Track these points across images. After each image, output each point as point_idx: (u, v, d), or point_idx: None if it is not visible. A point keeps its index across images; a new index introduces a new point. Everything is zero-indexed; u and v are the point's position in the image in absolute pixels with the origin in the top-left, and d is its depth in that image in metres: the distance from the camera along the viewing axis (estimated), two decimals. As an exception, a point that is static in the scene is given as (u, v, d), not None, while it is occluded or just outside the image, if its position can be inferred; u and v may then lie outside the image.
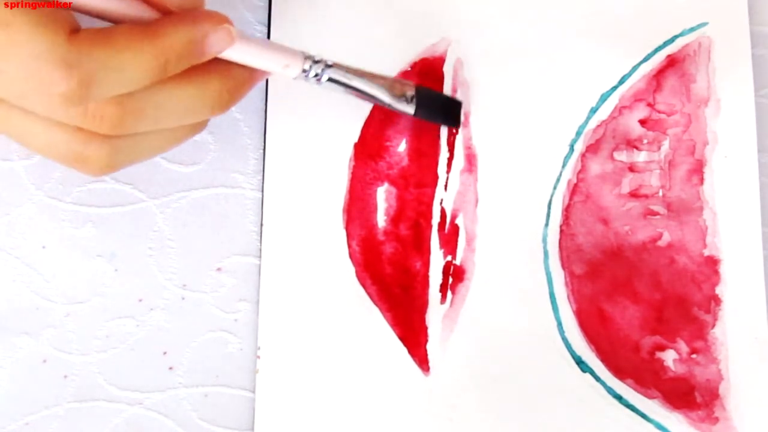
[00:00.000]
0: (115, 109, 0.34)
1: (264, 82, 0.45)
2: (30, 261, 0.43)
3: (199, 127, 0.39)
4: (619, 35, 0.46)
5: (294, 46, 0.39)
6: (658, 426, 0.42)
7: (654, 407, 0.43)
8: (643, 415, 0.43)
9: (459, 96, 0.45)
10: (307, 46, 0.45)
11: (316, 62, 0.39)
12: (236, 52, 0.36)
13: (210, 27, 0.35)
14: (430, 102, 0.43)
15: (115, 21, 0.35)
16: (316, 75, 0.39)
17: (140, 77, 0.33)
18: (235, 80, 0.37)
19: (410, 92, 0.42)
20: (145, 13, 0.35)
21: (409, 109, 0.42)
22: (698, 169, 0.45)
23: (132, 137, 0.36)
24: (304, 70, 0.38)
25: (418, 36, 0.46)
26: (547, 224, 0.44)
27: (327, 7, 0.46)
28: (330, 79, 0.39)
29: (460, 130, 0.45)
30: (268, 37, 0.45)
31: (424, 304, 0.43)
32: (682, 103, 0.46)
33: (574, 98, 0.46)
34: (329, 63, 0.39)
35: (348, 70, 0.40)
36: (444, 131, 0.45)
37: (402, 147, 0.45)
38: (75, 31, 0.33)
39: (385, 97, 0.41)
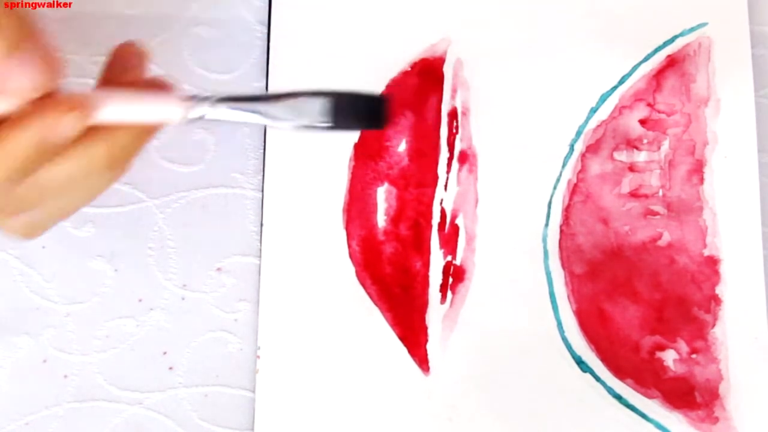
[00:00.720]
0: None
1: (264, 82, 0.45)
2: (30, 261, 0.43)
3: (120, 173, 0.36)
4: (619, 35, 0.46)
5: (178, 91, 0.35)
6: (658, 426, 0.42)
7: (654, 407, 0.43)
8: (643, 415, 0.43)
9: (459, 96, 0.45)
10: (307, 46, 0.45)
11: (203, 100, 0.33)
12: (112, 117, 0.33)
13: (56, 119, 0.32)
14: (345, 113, 0.35)
15: None
16: (201, 117, 0.34)
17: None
18: (121, 142, 0.34)
19: (320, 107, 0.34)
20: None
21: (323, 123, 0.34)
22: (698, 169, 0.45)
23: (39, 208, 0.34)
24: (199, 117, 0.34)
25: (418, 36, 0.46)
26: (547, 224, 0.44)
27: (327, 7, 0.46)
28: (217, 113, 0.34)
29: (460, 130, 0.45)
30: (268, 37, 0.45)
31: (424, 304, 0.43)
32: (682, 103, 0.46)
33: (574, 98, 0.46)
34: (218, 98, 0.34)
35: (237, 99, 0.34)
36: (444, 131, 0.45)
37: (402, 147, 0.45)
38: None
39: (285, 123, 0.34)
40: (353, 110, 0.35)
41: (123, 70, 0.35)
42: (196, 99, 0.34)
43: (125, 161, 0.34)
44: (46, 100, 0.32)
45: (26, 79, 0.32)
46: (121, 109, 0.33)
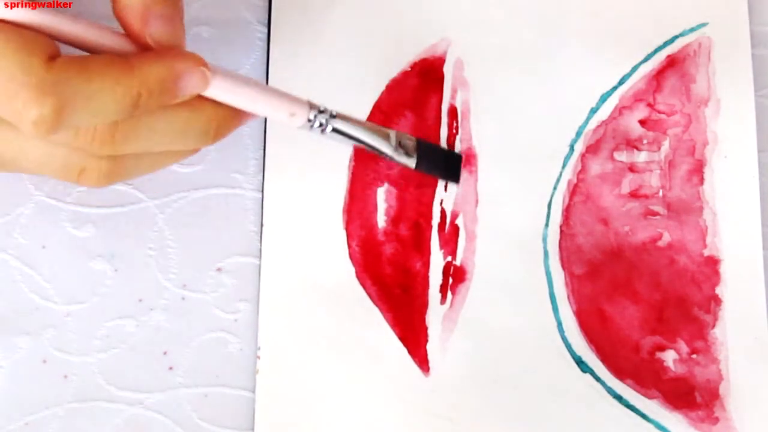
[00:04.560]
0: (105, 129, 0.34)
1: (264, 80, 0.45)
2: (30, 261, 0.43)
3: (195, 150, 0.39)
4: (619, 35, 0.46)
5: (298, 94, 0.38)
6: (658, 426, 0.43)
7: (654, 407, 0.43)
8: (643, 415, 0.43)
9: (459, 96, 0.45)
10: (307, 47, 0.45)
11: (321, 112, 0.38)
12: (244, 100, 0.36)
13: (185, 68, 0.35)
14: (431, 155, 0.42)
15: (95, 51, 0.34)
16: (321, 125, 0.38)
17: (113, 109, 0.33)
18: (227, 113, 0.37)
19: (411, 144, 0.41)
20: (125, 46, 0.35)
21: (410, 162, 0.41)
22: (698, 169, 0.45)
23: (129, 154, 0.36)
24: (309, 120, 0.38)
25: (418, 36, 0.46)
26: (547, 224, 0.44)
27: (327, 7, 0.46)
28: (334, 130, 0.38)
29: (460, 130, 0.45)
30: (268, 37, 0.45)
31: (424, 305, 0.43)
32: (682, 103, 0.46)
33: (574, 98, 0.46)
34: (333, 113, 0.38)
35: (352, 121, 0.39)
36: (444, 131, 0.45)
37: (402, 147, 0.45)
38: (53, 57, 0.32)
39: (387, 150, 0.40)
40: (438, 158, 0.43)
41: None
42: (317, 109, 0.38)
43: (215, 138, 0.37)
44: (175, 51, 0.35)
45: (173, 28, 0.35)
46: (256, 96, 0.36)
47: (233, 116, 0.37)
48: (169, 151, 0.37)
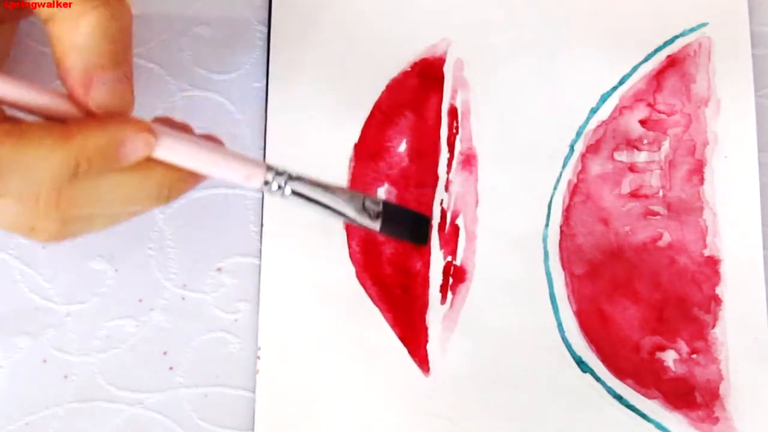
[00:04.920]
0: (50, 194, 0.33)
1: (264, 80, 0.45)
2: (30, 261, 0.43)
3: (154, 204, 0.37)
4: (619, 35, 0.46)
5: (255, 157, 0.37)
6: (658, 426, 0.43)
7: (654, 407, 0.43)
8: (643, 415, 0.43)
9: (459, 96, 0.45)
10: (307, 47, 0.45)
11: (279, 174, 0.37)
12: (195, 162, 0.35)
13: (127, 134, 0.33)
14: (397, 218, 0.40)
15: (40, 115, 0.34)
16: (279, 187, 0.37)
17: (49, 178, 0.32)
18: (180, 175, 0.35)
19: (376, 208, 0.39)
20: (71, 111, 0.34)
21: (375, 225, 0.39)
22: (698, 169, 0.45)
23: (79, 215, 0.35)
24: (266, 182, 0.36)
25: (418, 36, 0.46)
26: (547, 224, 0.44)
27: (327, 7, 0.46)
28: (294, 192, 0.37)
29: (460, 130, 0.45)
30: (268, 37, 0.45)
31: (424, 305, 0.43)
32: (682, 103, 0.46)
33: (574, 98, 0.46)
34: (293, 175, 0.37)
35: (312, 183, 0.37)
36: (444, 132, 0.45)
37: (402, 147, 0.45)
38: None
39: (350, 212, 0.38)
40: (405, 220, 0.41)
41: None
42: (275, 171, 0.37)
43: (168, 199, 0.36)
44: (117, 117, 0.34)
45: (117, 94, 0.34)
46: (208, 158, 0.35)
47: (186, 178, 0.36)
48: (123, 211, 0.36)
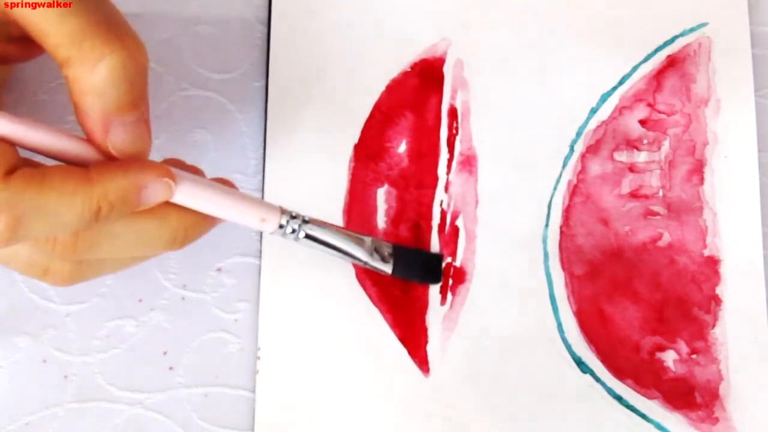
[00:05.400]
0: (66, 238, 0.34)
1: (264, 80, 0.45)
2: (30, 261, 0.43)
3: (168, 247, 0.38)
4: (619, 35, 0.46)
5: (272, 201, 0.38)
6: (658, 426, 0.43)
7: (654, 407, 0.43)
8: (643, 416, 0.43)
9: (459, 97, 0.45)
10: (307, 47, 0.45)
11: (293, 218, 0.38)
12: (212, 206, 0.36)
13: (148, 179, 0.34)
14: (408, 261, 0.42)
15: (59, 159, 0.34)
16: (294, 231, 0.38)
17: (71, 222, 0.33)
18: (195, 220, 0.36)
19: (387, 251, 0.41)
20: (90, 153, 0.34)
21: (387, 267, 0.41)
22: (698, 169, 0.45)
23: (92, 257, 0.36)
24: (281, 226, 0.38)
25: (418, 36, 0.46)
26: (547, 225, 0.44)
27: (327, 7, 0.46)
28: (307, 236, 0.38)
29: (459, 131, 0.45)
30: (268, 37, 0.45)
31: (424, 306, 0.43)
32: (682, 103, 0.46)
33: (574, 98, 0.46)
34: (306, 219, 0.38)
35: (325, 225, 0.39)
36: (444, 132, 0.45)
37: (402, 148, 0.45)
38: (12, 169, 0.32)
39: (362, 256, 0.40)
40: (416, 262, 0.43)
41: None
42: (289, 215, 0.38)
43: (184, 243, 0.36)
44: (138, 161, 0.35)
45: (136, 136, 0.35)
46: (224, 203, 0.36)
47: (201, 222, 0.36)
48: (137, 255, 0.37)
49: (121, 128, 0.34)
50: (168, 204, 0.35)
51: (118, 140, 0.34)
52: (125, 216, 0.34)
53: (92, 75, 0.33)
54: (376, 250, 0.40)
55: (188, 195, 0.35)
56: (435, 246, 0.44)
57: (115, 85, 0.34)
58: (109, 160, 0.34)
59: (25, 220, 0.32)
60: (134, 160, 0.34)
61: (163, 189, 0.34)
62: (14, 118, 0.33)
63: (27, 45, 0.37)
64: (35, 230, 0.32)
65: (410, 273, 0.43)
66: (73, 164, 0.34)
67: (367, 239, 0.40)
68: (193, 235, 0.36)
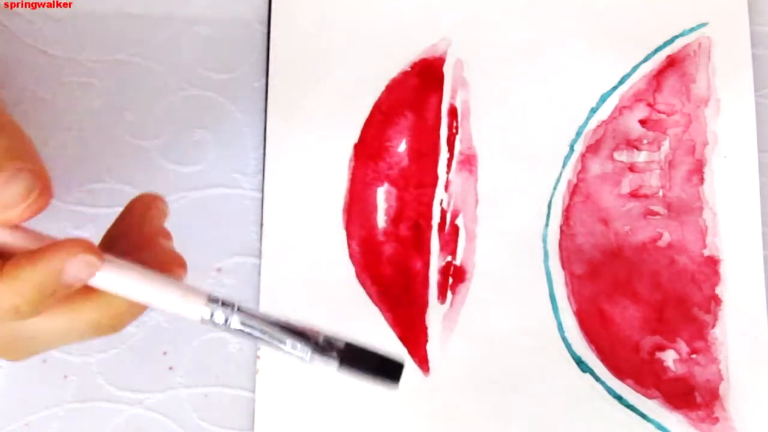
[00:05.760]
0: None
1: (264, 81, 0.45)
2: (30, 261, 0.43)
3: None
4: (619, 35, 0.46)
5: (197, 285, 0.33)
6: (658, 426, 0.43)
7: (654, 407, 0.43)
8: (643, 416, 0.43)
9: (459, 96, 0.45)
10: (307, 46, 0.45)
11: (224, 305, 0.32)
12: (128, 289, 0.31)
13: (62, 261, 0.30)
14: (361, 360, 0.35)
15: None
16: (226, 321, 0.32)
17: None
18: (115, 310, 0.32)
19: (339, 345, 0.34)
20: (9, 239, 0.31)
21: (332, 364, 0.34)
22: (698, 169, 0.45)
23: (15, 349, 0.33)
24: (209, 316, 0.32)
25: (418, 36, 0.46)
26: (547, 224, 0.44)
27: (327, 7, 0.46)
28: (243, 324, 0.32)
29: (459, 130, 0.45)
30: (268, 37, 0.45)
31: (424, 305, 0.43)
32: (682, 103, 0.46)
33: (574, 98, 0.46)
34: (239, 307, 0.33)
35: (260, 318, 0.33)
36: (444, 132, 0.45)
37: (402, 147, 0.45)
38: None
39: (303, 354, 0.33)
40: (366, 365, 0.35)
41: (139, 222, 0.34)
42: (218, 301, 0.32)
43: (111, 330, 0.32)
44: (59, 242, 0.31)
45: (15, 194, 0.30)
46: (141, 287, 0.31)
47: (121, 305, 0.32)
48: (65, 343, 0.33)
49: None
50: (81, 297, 0.31)
51: (3, 203, 0.30)
52: (52, 305, 0.31)
53: None
54: (329, 345, 0.34)
55: (105, 279, 0.31)
56: (435, 245, 0.44)
57: None
58: (22, 252, 0.31)
59: None
60: (48, 245, 0.31)
61: (85, 266, 0.30)
62: None
63: None
64: None
65: (361, 373, 0.35)
66: None
67: (314, 333, 0.34)
68: (118, 323, 0.32)
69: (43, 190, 0.31)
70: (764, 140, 0.46)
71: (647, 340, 0.43)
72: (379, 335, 0.43)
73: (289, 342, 0.33)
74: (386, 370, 0.35)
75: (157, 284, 0.32)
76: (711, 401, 0.43)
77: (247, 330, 0.33)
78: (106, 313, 0.32)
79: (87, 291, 0.31)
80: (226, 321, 0.32)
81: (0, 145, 0.30)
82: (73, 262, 0.30)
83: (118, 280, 0.31)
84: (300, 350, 0.34)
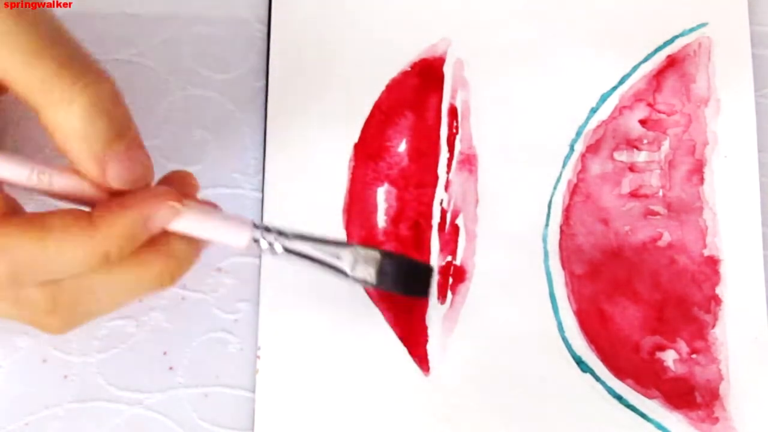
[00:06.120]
0: (45, 299, 0.33)
1: (264, 80, 0.45)
2: (30, 261, 0.43)
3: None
4: (619, 35, 0.46)
5: (243, 215, 0.37)
6: (658, 426, 0.42)
7: (654, 407, 0.43)
8: (643, 415, 0.43)
9: (459, 96, 0.45)
10: (307, 46, 0.45)
11: (268, 231, 0.37)
12: (181, 226, 0.35)
13: (152, 208, 0.33)
14: (396, 268, 0.39)
15: (53, 197, 0.33)
16: (270, 244, 0.37)
17: (76, 268, 0.32)
18: (177, 259, 0.35)
19: (372, 263, 0.38)
20: (89, 191, 0.34)
21: (371, 278, 0.38)
22: (698, 169, 0.45)
23: (78, 311, 0.35)
24: (255, 240, 0.37)
25: (418, 36, 0.46)
26: (547, 224, 0.44)
27: (327, 7, 0.46)
28: (286, 249, 0.37)
29: (459, 130, 0.45)
30: (268, 37, 0.45)
31: (424, 305, 0.43)
32: (682, 103, 0.46)
33: (574, 98, 0.46)
34: (281, 231, 0.37)
35: (303, 237, 0.37)
36: (444, 132, 0.45)
37: (402, 147, 0.45)
38: (10, 213, 0.31)
39: (345, 266, 0.38)
40: (405, 270, 0.40)
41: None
42: (263, 228, 0.37)
43: (170, 283, 0.35)
44: (140, 193, 0.34)
45: (133, 163, 0.34)
46: (194, 222, 0.35)
47: (184, 255, 0.35)
48: (125, 301, 0.36)
49: (115, 162, 0.33)
50: (149, 251, 0.34)
51: (116, 173, 0.33)
52: (128, 256, 0.33)
53: (68, 120, 0.32)
54: (359, 261, 0.38)
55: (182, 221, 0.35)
56: (435, 245, 0.44)
57: (94, 122, 0.33)
58: (110, 198, 0.34)
59: (23, 268, 0.31)
60: (135, 194, 0.34)
61: (169, 213, 0.34)
62: (9, 157, 0.33)
63: None
64: (35, 277, 0.32)
65: (397, 285, 0.40)
66: (76, 201, 0.33)
67: (351, 246, 0.39)
68: (178, 275, 0.35)
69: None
70: (764, 140, 0.46)
71: (647, 340, 0.43)
72: (379, 335, 0.43)
73: (331, 261, 0.38)
74: (418, 277, 0.41)
75: (212, 217, 0.35)
76: (711, 401, 0.43)
77: (294, 250, 0.37)
78: (170, 263, 0.35)
79: (150, 244, 0.34)
80: (271, 245, 0.37)
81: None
82: (161, 208, 0.33)
83: (185, 221, 0.34)
84: (342, 265, 0.38)
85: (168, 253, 0.35)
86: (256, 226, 0.37)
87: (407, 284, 0.41)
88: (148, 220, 0.33)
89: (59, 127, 0.33)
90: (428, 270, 0.42)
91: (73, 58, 0.33)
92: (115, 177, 0.33)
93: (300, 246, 0.37)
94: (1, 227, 0.31)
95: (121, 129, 0.34)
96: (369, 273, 0.38)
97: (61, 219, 0.32)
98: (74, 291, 0.33)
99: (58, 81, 0.32)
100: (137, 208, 0.33)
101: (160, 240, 0.35)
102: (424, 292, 0.42)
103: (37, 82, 0.32)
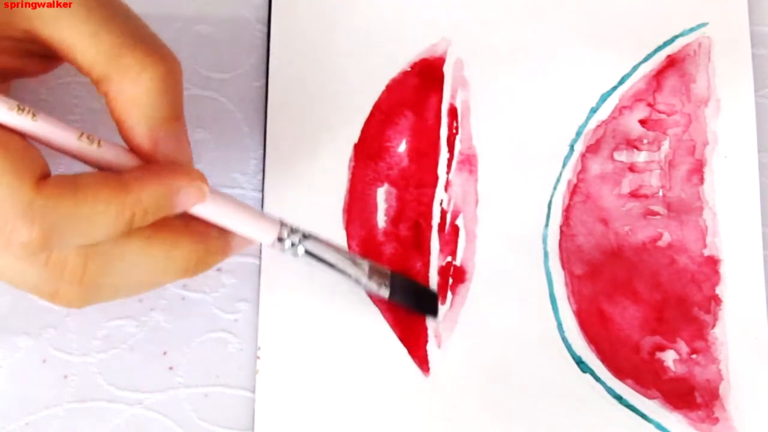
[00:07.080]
0: (77, 262, 0.33)
1: (264, 80, 0.45)
2: (30, 261, 0.43)
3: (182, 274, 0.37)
4: (619, 35, 0.46)
5: (272, 213, 0.39)
6: (658, 426, 0.43)
7: (654, 407, 0.43)
8: (643, 416, 0.43)
9: (459, 96, 0.45)
10: (307, 46, 0.45)
11: (293, 232, 0.38)
12: (210, 212, 0.36)
13: (182, 183, 0.34)
14: (404, 289, 0.42)
15: (90, 164, 0.34)
16: (293, 245, 0.38)
17: (104, 231, 0.32)
18: (206, 246, 0.36)
19: (385, 277, 0.41)
20: (121, 158, 0.34)
21: (383, 292, 0.41)
22: (698, 169, 0.45)
23: (103, 282, 0.35)
24: (280, 239, 0.37)
25: (418, 36, 0.46)
26: (547, 225, 0.44)
27: (327, 7, 0.46)
28: (307, 252, 0.38)
29: (459, 130, 0.45)
30: (268, 37, 0.45)
31: (424, 305, 0.43)
32: (682, 103, 0.46)
33: (574, 98, 0.46)
34: (306, 234, 0.38)
35: (325, 244, 0.39)
36: (444, 132, 0.45)
37: (402, 147, 0.45)
38: (44, 177, 0.32)
39: (361, 278, 0.40)
40: (411, 292, 0.42)
41: None
42: (289, 228, 0.38)
43: (195, 272, 0.36)
44: (172, 166, 0.35)
45: (184, 144, 0.35)
46: (222, 211, 0.36)
47: (213, 251, 0.36)
48: (147, 281, 0.36)
49: (168, 140, 0.35)
50: (181, 231, 0.35)
51: (167, 150, 0.35)
52: (156, 219, 0.34)
53: (135, 88, 0.34)
54: (373, 274, 0.40)
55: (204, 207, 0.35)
56: (435, 246, 0.44)
57: (159, 96, 0.34)
58: (142, 166, 0.34)
59: (57, 229, 0.31)
60: (167, 165, 0.34)
61: (196, 193, 0.34)
62: (49, 119, 0.33)
63: (47, 60, 0.37)
64: (67, 239, 0.32)
65: (407, 301, 0.42)
66: (104, 169, 0.34)
67: (364, 262, 0.40)
68: (204, 264, 0.36)
69: None
70: (764, 140, 0.46)
71: (647, 340, 0.43)
72: (379, 335, 0.43)
73: (348, 270, 0.39)
74: (424, 299, 0.43)
75: (241, 209, 0.36)
76: (711, 401, 0.43)
77: (312, 256, 0.38)
78: (199, 247, 0.35)
79: (184, 226, 0.35)
80: (294, 245, 0.38)
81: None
82: (189, 188, 0.34)
83: (215, 208, 0.35)
84: (359, 274, 0.40)
85: (198, 238, 0.35)
86: (283, 224, 0.37)
87: (418, 300, 0.43)
88: (176, 194, 0.34)
89: (122, 95, 0.34)
90: (433, 295, 0.43)
91: (143, 36, 0.34)
92: (165, 152, 0.34)
93: (321, 250, 0.39)
94: (36, 191, 0.31)
95: (178, 113, 0.35)
96: (384, 284, 0.40)
97: (93, 181, 0.32)
98: (105, 258, 0.34)
99: (130, 51, 0.33)
100: (169, 179, 0.34)
101: (193, 224, 0.35)
102: (433, 313, 0.43)
103: (103, 54, 0.33)
